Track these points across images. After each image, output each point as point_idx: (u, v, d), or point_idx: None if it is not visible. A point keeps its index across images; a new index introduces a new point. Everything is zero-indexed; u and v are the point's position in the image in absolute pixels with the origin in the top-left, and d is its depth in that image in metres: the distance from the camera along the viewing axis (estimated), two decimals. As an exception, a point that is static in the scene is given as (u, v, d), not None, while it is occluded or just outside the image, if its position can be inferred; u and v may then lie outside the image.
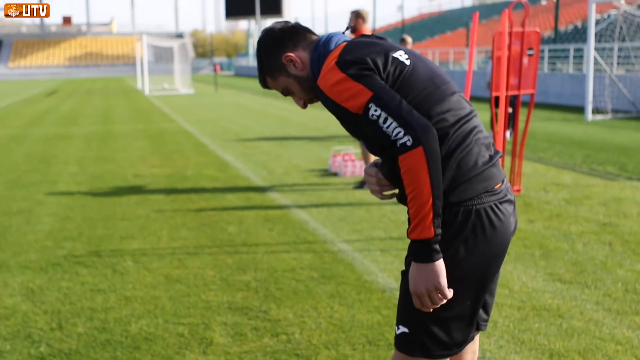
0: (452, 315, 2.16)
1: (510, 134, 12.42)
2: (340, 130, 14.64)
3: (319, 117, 18.07)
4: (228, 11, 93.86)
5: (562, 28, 37.57)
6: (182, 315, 4.38)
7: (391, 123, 2.01)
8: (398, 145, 2.00)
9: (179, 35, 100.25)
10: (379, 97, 2.05)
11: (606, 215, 6.74)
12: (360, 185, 8.42)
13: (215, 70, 40.75)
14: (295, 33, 2.36)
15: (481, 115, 16.02)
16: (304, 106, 2.43)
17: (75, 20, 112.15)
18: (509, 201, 2.19)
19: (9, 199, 8.17)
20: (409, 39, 10.44)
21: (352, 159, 9.31)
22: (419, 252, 2.04)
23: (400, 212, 6.91)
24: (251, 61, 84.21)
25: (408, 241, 2.10)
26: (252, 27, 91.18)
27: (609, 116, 17.19)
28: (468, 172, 2.11)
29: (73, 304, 4.61)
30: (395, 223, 6.54)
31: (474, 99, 9.53)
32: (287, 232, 6.30)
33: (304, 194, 8.06)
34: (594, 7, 16.13)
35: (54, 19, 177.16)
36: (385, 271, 5.11)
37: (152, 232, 6.43)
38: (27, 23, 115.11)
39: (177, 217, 6.98)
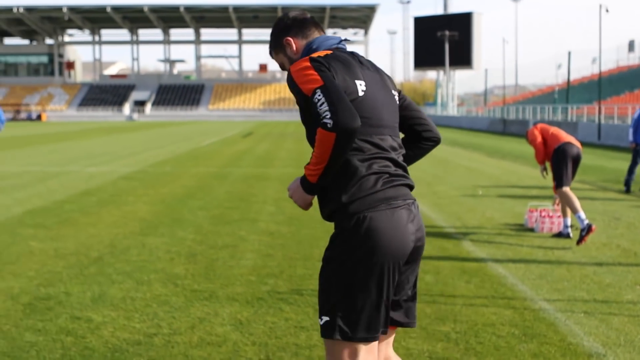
0: (361, 302, 2.56)
1: None
2: (536, 182, 14.25)
3: (512, 171, 17.72)
4: (417, 61, 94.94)
5: None
6: (383, 360, 4.42)
7: (326, 108, 2.47)
8: (320, 122, 2.49)
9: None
10: (327, 87, 2.51)
11: None
12: (558, 234, 8.63)
13: (403, 118, 41.04)
14: (303, 24, 2.90)
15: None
16: None
17: (270, 67, 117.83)
18: (406, 209, 2.66)
19: (215, 234, 8.70)
20: None
21: (549, 215, 8.99)
22: (305, 183, 2.68)
23: (603, 274, 6.60)
24: (439, 110, 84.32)
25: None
26: (441, 77, 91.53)
27: None
28: (366, 191, 2.60)
29: (279, 338, 4.81)
30: (599, 285, 6.23)
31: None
32: (484, 286, 6.21)
33: (500, 248, 7.91)
34: None
35: (251, 66, 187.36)
36: (590, 335, 4.88)
37: (349, 275, 6.56)
38: (227, 69, 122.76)
39: (373, 262, 7.08)
